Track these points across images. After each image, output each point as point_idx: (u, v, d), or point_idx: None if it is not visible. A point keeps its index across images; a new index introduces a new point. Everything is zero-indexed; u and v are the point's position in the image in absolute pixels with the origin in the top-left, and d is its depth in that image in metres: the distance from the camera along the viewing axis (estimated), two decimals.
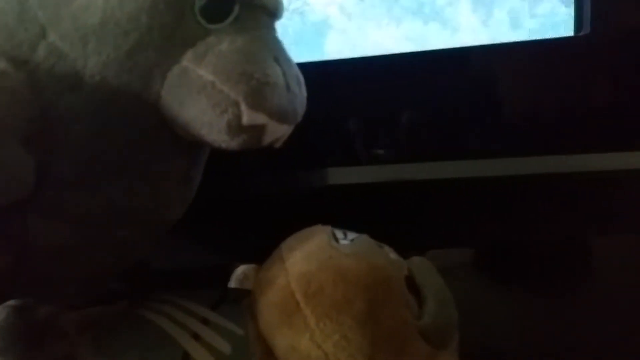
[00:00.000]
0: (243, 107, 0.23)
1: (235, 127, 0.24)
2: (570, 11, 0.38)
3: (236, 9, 0.25)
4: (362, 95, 0.40)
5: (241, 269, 0.46)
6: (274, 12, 0.28)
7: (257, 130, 0.25)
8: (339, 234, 0.28)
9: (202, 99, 0.24)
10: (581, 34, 0.37)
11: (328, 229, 0.29)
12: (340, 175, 0.42)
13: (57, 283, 0.30)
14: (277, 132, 0.26)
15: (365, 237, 0.28)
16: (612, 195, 0.40)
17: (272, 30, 0.28)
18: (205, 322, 0.27)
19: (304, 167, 0.42)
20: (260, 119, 0.24)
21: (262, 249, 0.31)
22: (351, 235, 0.28)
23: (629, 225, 0.41)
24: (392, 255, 0.28)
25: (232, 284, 0.44)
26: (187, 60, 0.24)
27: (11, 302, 0.31)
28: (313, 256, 0.26)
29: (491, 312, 0.42)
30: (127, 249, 0.31)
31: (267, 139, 0.26)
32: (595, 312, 0.40)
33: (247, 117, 0.24)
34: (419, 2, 0.40)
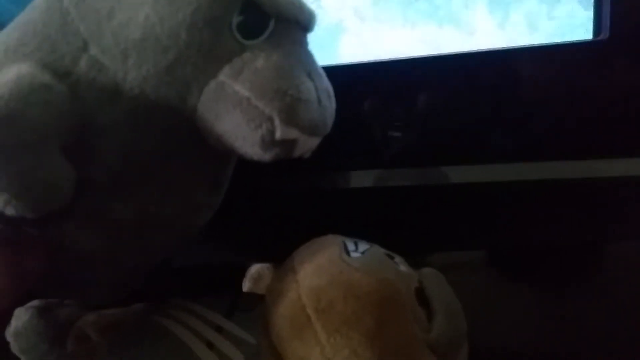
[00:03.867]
0: (277, 122, 0.24)
1: (269, 141, 0.24)
2: (590, 14, 0.37)
3: (271, 24, 0.26)
4: (377, 99, 0.40)
5: (255, 268, 0.47)
6: (307, 26, 0.28)
7: (289, 144, 0.25)
8: (350, 245, 0.28)
9: (237, 113, 0.24)
10: (600, 37, 0.37)
11: (339, 240, 0.29)
12: (356, 178, 0.42)
13: (85, 285, 0.31)
14: (308, 144, 0.27)
15: (376, 249, 0.29)
16: (631, 202, 0.39)
17: (305, 43, 0.29)
18: (219, 330, 0.28)
19: (321, 168, 0.42)
20: (293, 133, 0.25)
21: (278, 248, 0.32)
22: (362, 246, 0.28)
23: None
24: (403, 267, 0.28)
25: (247, 282, 0.45)
26: (223, 75, 0.25)
27: (35, 303, 0.32)
28: (324, 270, 0.26)
29: (503, 312, 0.42)
30: (155, 252, 0.32)
31: (298, 152, 0.27)
32: (608, 314, 0.40)
33: (281, 132, 0.24)
34: (434, 5, 0.39)
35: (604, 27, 0.36)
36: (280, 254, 0.31)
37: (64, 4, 0.25)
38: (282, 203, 0.44)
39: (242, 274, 0.46)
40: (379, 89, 0.40)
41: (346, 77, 0.39)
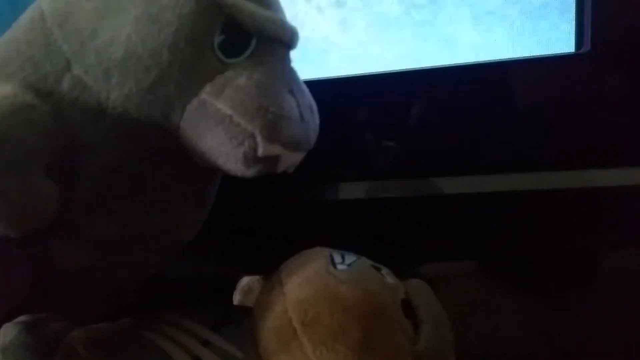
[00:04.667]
0: (259, 139, 0.24)
1: (251, 158, 0.25)
2: (571, 28, 0.38)
3: (253, 42, 0.26)
4: (364, 112, 0.41)
5: (245, 281, 0.47)
6: (290, 44, 0.28)
7: (272, 159, 0.26)
8: (337, 257, 0.29)
9: (219, 131, 0.25)
10: (582, 50, 0.37)
11: (326, 252, 0.29)
12: (346, 190, 0.43)
13: (74, 300, 0.31)
14: (291, 160, 0.27)
15: (362, 261, 0.29)
16: (614, 211, 0.40)
17: (287, 60, 0.29)
18: (206, 344, 0.28)
19: (310, 181, 0.43)
20: (275, 150, 0.25)
21: (269, 260, 0.32)
22: (349, 259, 0.29)
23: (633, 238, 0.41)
24: (389, 279, 0.28)
25: (237, 295, 0.45)
26: (205, 93, 0.25)
27: (23, 319, 0.32)
28: (311, 283, 0.26)
29: (495, 322, 0.42)
30: (142, 267, 0.32)
31: (281, 167, 0.27)
32: (600, 325, 0.40)
33: (263, 148, 0.25)
34: (420, 19, 0.40)
35: (586, 40, 0.37)
36: (271, 266, 0.32)
37: (48, 24, 0.25)
38: (272, 215, 0.44)
39: (233, 287, 0.46)
40: (366, 102, 0.41)
41: (333, 90, 0.39)
